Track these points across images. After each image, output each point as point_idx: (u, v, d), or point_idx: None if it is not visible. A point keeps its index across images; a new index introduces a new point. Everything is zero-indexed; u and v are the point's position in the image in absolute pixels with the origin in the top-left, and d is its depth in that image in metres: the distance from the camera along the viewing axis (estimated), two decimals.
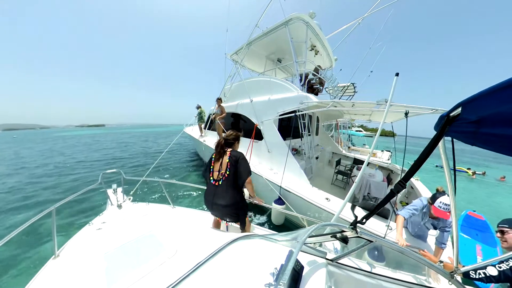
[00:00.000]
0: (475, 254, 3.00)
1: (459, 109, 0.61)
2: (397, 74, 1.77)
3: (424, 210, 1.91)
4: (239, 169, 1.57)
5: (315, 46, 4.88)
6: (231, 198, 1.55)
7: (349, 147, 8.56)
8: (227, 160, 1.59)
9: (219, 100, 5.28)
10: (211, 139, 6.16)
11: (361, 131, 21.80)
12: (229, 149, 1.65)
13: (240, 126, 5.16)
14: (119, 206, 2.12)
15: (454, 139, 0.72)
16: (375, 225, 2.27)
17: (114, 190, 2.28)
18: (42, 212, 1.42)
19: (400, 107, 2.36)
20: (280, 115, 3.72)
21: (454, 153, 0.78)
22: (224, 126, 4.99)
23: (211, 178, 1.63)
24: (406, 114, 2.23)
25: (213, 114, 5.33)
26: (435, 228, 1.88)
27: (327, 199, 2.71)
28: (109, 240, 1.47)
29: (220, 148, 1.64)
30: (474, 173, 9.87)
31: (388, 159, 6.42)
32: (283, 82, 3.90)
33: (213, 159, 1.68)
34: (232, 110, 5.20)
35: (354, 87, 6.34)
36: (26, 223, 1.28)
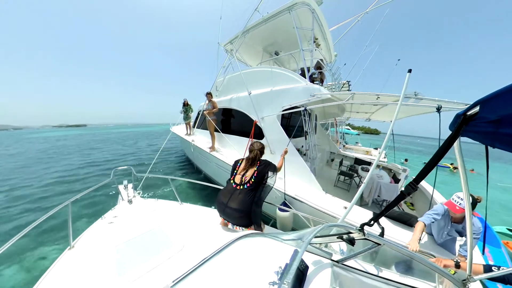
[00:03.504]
0: (486, 256, 2.93)
1: (477, 108, 0.58)
2: (409, 71, 1.69)
3: (446, 214, 1.76)
4: (269, 170, 1.71)
5: (317, 39, 4.52)
6: (247, 204, 1.55)
7: (344, 146, 8.52)
8: (255, 169, 1.65)
9: (209, 95, 4.67)
10: (201, 138, 5.52)
11: (349, 129, 22.46)
12: (258, 161, 1.73)
13: (234, 123, 4.63)
14: (130, 202, 2.17)
15: (488, 146, 0.66)
16: (400, 234, 1.98)
17: (125, 186, 2.32)
18: (58, 205, 1.49)
19: (431, 102, 2.07)
20: (284, 110, 3.27)
21: (488, 160, 0.72)
22: (216, 123, 4.43)
23: (232, 181, 1.66)
24: (438, 109, 1.94)
25: (204, 110, 4.71)
26: (461, 235, 1.75)
27: (345, 208, 2.34)
28: (120, 234, 1.55)
29: (252, 161, 1.70)
30: (455, 168, 10.67)
31: (384, 158, 6.39)
32: (288, 72, 3.43)
33: (239, 163, 1.76)
34: (226, 105, 4.63)
35: (349, 85, 6.19)
36: (43, 216, 1.32)
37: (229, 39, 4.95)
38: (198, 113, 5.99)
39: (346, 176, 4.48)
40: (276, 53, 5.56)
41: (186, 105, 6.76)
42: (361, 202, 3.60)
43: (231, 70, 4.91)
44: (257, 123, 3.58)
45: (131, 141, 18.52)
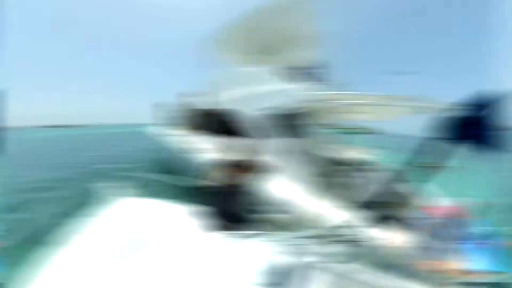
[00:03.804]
0: (484, 259, 2.95)
1: (469, 110, 0.57)
2: (410, 72, 1.60)
3: (443, 217, 1.78)
4: (260, 171, 1.72)
5: (313, 38, 4.44)
6: (234, 207, 1.57)
7: (340, 146, 8.52)
8: (246, 170, 1.65)
9: (200, 95, 4.52)
10: (191, 140, 5.34)
11: (346, 129, 22.72)
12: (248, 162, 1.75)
13: (226, 124, 4.49)
14: (120, 202, 2.20)
15: (483, 148, 0.71)
16: (396, 236, 1.93)
17: (115, 187, 2.35)
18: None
19: (428, 103, 2.02)
20: (275, 110, 3.17)
21: (489, 162, 0.83)
22: (207, 124, 4.29)
23: (221, 183, 1.68)
24: (437, 110, 1.91)
25: (196, 110, 4.55)
26: (458, 238, 1.74)
27: (341, 210, 2.29)
28: (109, 235, 1.57)
29: (241, 162, 1.70)
30: (448, 167, 11.03)
31: (380, 158, 6.42)
32: (283, 71, 3.35)
33: (229, 165, 1.75)
34: (218, 106, 4.48)
35: (348, 84, 6.16)
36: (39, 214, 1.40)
37: (223, 38, 4.82)
38: (189, 113, 5.82)
39: (342, 177, 4.44)
40: (271, 52, 5.46)
41: (177, 105, 6.57)
42: (357, 204, 3.57)
43: (224, 69, 4.78)
44: (250, 123, 3.46)
45: (119, 141, 17.92)
